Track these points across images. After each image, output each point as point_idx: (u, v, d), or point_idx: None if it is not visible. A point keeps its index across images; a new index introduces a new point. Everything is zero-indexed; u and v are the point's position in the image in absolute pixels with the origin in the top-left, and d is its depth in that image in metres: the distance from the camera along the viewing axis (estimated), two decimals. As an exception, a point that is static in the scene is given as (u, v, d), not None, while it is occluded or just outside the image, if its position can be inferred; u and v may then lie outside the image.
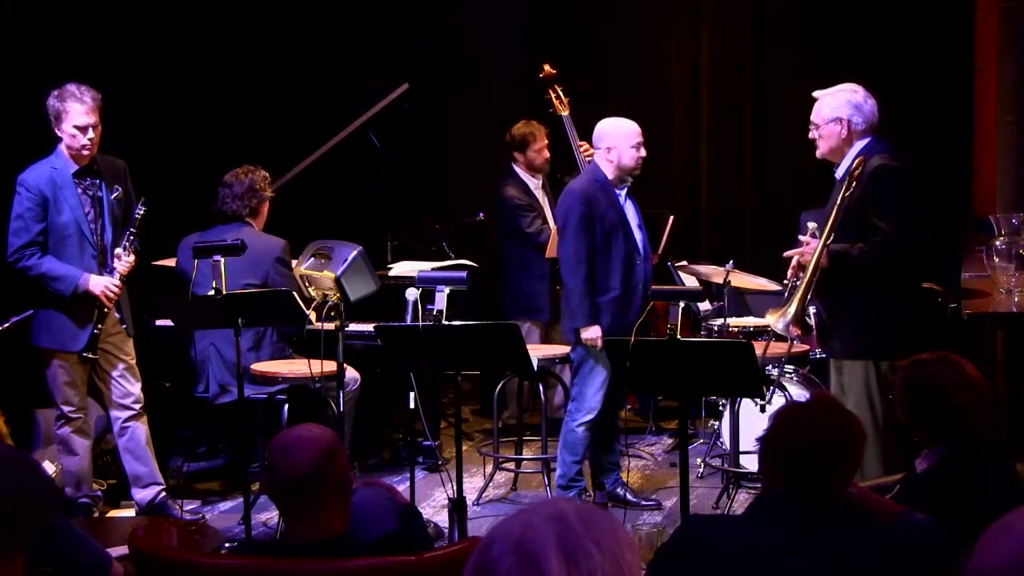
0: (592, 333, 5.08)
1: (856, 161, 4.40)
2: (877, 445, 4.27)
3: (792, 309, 4.35)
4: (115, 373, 5.07)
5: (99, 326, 4.92)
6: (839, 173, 4.51)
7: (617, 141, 5.18)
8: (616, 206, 5.18)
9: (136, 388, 5.12)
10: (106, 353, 5.04)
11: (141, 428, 5.12)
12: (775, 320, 4.42)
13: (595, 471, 5.45)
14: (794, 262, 4.49)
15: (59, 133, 4.86)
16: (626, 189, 5.24)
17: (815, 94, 4.56)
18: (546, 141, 6.43)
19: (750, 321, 6.10)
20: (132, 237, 4.97)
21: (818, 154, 4.55)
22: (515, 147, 6.45)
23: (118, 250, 4.94)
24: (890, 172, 4.36)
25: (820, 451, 2.34)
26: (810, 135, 4.54)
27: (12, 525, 2.11)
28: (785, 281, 4.59)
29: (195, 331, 5.33)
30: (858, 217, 4.37)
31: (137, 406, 5.11)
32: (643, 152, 5.20)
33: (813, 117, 4.52)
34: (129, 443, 5.10)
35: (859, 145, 4.46)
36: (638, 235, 5.24)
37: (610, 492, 5.37)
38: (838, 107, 4.45)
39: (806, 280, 4.35)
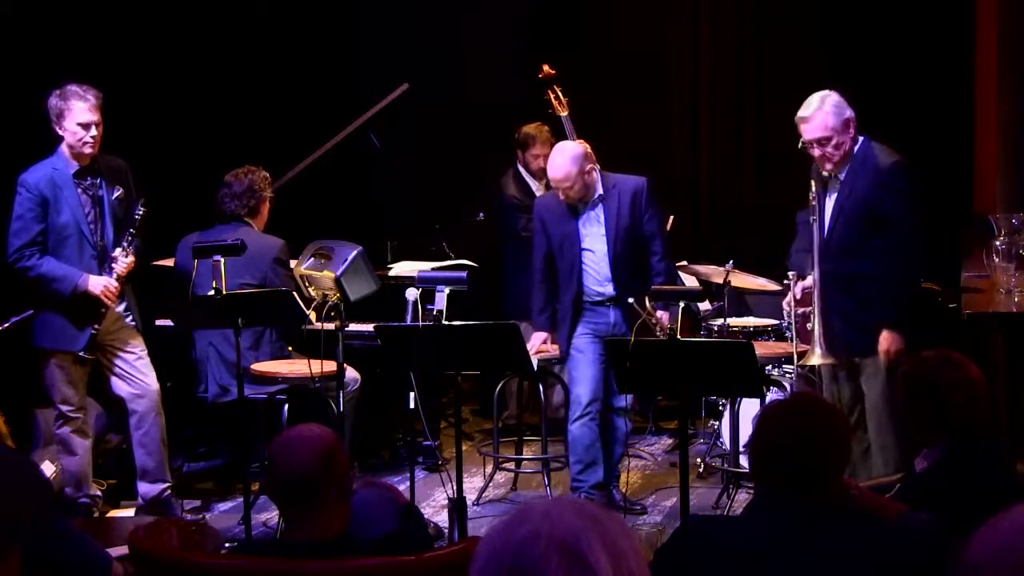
0: (532, 339, 5.23)
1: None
2: (897, 439, 4.33)
3: (817, 351, 4.50)
4: (125, 367, 5.06)
5: (96, 327, 4.92)
6: (844, 174, 4.51)
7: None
8: (569, 220, 5.19)
9: (150, 380, 5.09)
10: (113, 349, 5.04)
11: (156, 424, 5.10)
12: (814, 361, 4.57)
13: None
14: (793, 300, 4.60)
15: (60, 132, 4.86)
16: (592, 201, 5.17)
17: (804, 115, 4.48)
18: (546, 151, 6.37)
19: (750, 321, 6.11)
20: (131, 238, 4.97)
21: (832, 165, 4.48)
22: (518, 145, 6.46)
23: (117, 251, 4.93)
24: (908, 169, 4.42)
25: (808, 448, 2.35)
26: (823, 152, 4.46)
27: (5, 524, 2.10)
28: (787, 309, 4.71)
29: (194, 331, 5.34)
30: (865, 212, 4.39)
31: (147, 401, 5.08)
32: (561, 195, 5.12)
33: (820, 133, 4.43)
34: (144, 437, 5.09)
35: (860, 140, 4.48)
36: (601, 244, 5.17)
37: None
38: (840, 111, 4.44)
39: (817, 319, 4.47)
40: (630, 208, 5.18)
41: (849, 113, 4.45)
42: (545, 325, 5.33)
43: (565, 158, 5.09)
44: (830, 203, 4.59)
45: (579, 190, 5.11)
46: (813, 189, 4.60)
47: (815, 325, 4.51)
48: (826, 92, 4.51)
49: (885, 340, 4.43)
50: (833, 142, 4.44)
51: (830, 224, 4.56)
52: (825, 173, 4.56)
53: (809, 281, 4.61)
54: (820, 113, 4.45)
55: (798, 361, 4.76)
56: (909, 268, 4.50)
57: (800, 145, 4.53)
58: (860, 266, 4.50)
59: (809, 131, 4.47)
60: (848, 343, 4.58)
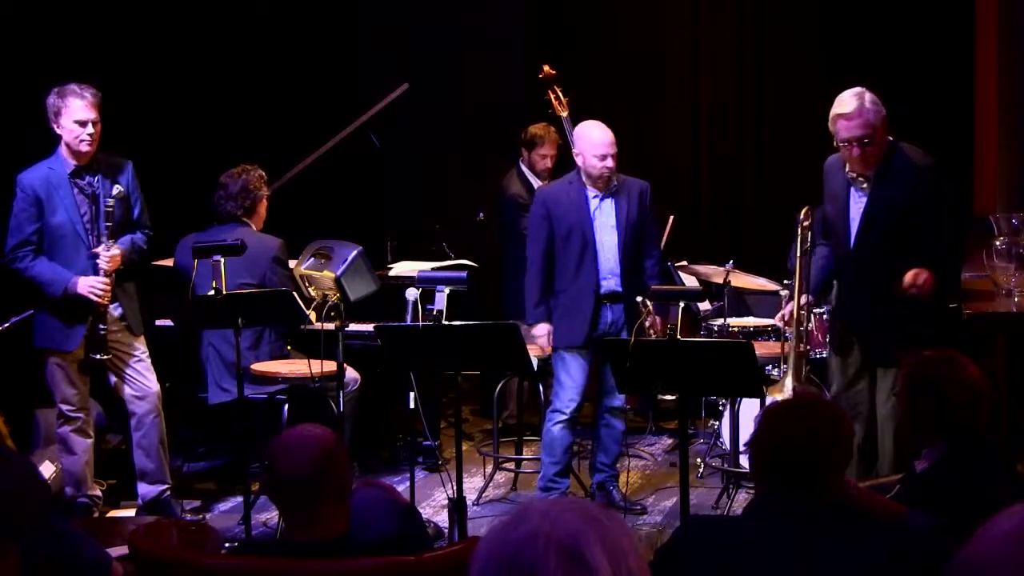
0: (537, 331, 5.16)
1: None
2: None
3: (788, 382, 4.48)
4: (124, 369, 5.06)
5: (102, 326, 4.91)
6: (873, 176, 4.37)
7: (584, 148, 5.15)
8: (581, 208, 5.13)
9: (149, 382, 5.09)
10: (112, 350, 5.03)
11: (155, 426, 5.09)
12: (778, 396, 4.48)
13: (592, 472, 5.45)
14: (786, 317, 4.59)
15: (58, 129, 4.85)
16: (608, 191, 5.15)
17: (844, 111, 4.28)
18: (553, 151, 6.39)
19: (750, 321, 6.11)
20: (106, 230, 4.88)
21: (869, 166, 4.34)
22: (524, 144, 6.45)
23: (99, 247, 4.89)
24: (945, 171, 4.39)
25: (809, 448, 2.34)
26: (862, 151, 4.29)
27: (4, 524, 2.10)
28: (777, 327, 4.68)
29: (194, 332, 5.34)
30: (900, 214, 4.31)
31: (146, 403, 5.07)
32: (609, 163, 5.06)
33: (862, 131, 4.25)
34: (143, 440, 5.09)
35: (888, 141, 4.39)
36: (611, 236, 5.15)
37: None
38: (879, 108, 4.28)
39: (793, 349, 4.45)
40: (638, 206, 5.19)
41: (884, 111, 4.29)
42: (543, 316, 5.20)
43: (606, 128, 5.12)
44: (856, 207, 4.44)
45: (615, 160, 5.11)
46: (802, 216, 4.51)
47: (791, 356, 4.48)
48: (860, 89, 4.32)
49: (919, 271, 4.20)
50: (874, 140, 4.27)
51: (858, 228, 4.42)
52: (854, 175, 4.41)
53: (802, 301, 4.53)
54: (863, 110, 4.25)
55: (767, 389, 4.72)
56: (948, 257, 4.39)
57: (836, 144, 4.35)
58: (890, 271, 4.32)
59: (850, 129, 4.26)
60: (870, 350, 4.48)
